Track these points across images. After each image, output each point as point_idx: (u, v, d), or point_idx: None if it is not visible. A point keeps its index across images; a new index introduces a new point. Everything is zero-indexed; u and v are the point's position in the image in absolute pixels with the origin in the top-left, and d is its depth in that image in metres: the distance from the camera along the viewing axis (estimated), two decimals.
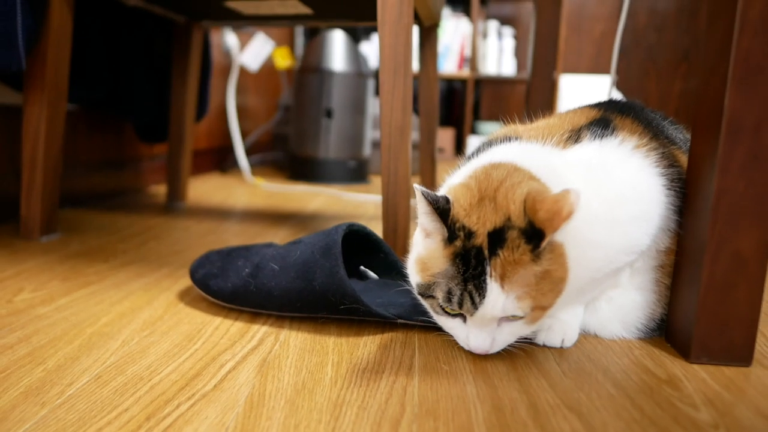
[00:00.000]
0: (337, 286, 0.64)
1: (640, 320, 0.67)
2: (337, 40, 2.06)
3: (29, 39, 0.94)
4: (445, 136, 3.37)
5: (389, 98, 0.83)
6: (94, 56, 1.29)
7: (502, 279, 0.51)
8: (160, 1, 1.24)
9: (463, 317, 0.56)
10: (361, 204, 1.64)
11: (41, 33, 0.97)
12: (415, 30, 1.45)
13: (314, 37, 2.18)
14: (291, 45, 3.19)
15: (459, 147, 3.50)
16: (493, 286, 0.51)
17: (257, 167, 2.46)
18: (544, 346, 0.64)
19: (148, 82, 1.47)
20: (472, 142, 3.33)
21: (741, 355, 0.60)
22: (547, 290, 0.52)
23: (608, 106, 0.71)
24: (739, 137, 0.57)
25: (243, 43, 2.26)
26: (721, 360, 0.60)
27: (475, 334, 0.55)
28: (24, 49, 0.93)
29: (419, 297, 0.59)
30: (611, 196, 0.60)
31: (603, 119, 0.66)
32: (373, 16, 0.83)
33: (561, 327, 0.64)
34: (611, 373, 0.57)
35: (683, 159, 0.67)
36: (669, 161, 0.64)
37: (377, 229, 0.73)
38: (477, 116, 3.69)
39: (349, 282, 0.64)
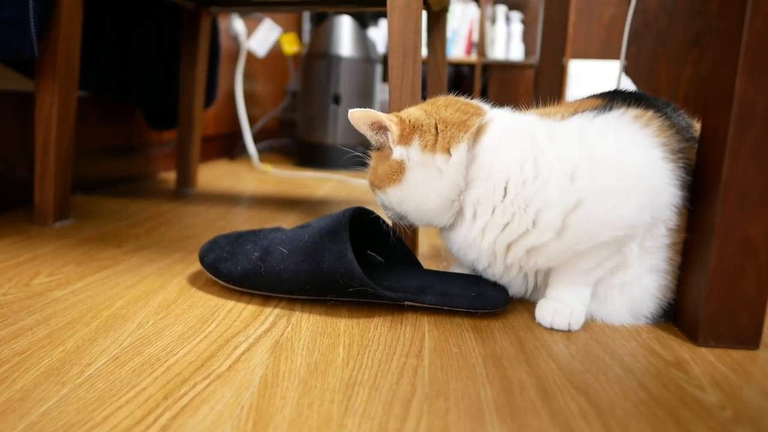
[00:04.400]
0: (345, 269, 0.65)
1: (650, 309, 0.67)
2: (344, 25, 2.05)
3: (41, 26, 0.95)
4: None
5: (398, 83, 0.84)
6: (105, 43, 1.29)
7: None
8: None
9: None
10: (368, 190, 1.64)
11: (52, 20, 0.97)
12: (424, 14, 1.44)
13: (321, 22, 2.17)
14: (298, 31, 3.18)
15: None
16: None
17: (265, 153, 2.46)
18: (552, 329, 0.65)
19: (158, 68, 1.47)
20: None
21: (748, 338, 0.61)
22: (379, 172, 0.69)
23: (615, 95, 0.71)
24: (749, 122, 0.57)
25: (250, 30, 2.25)
26: (728, 343, 0.61)
27: None
28: (36, 35, 0.93)
29: None
30: (584, 170, 0.61)
31: (609, 105, 0.67)
32: (381, 1, 0.83)
33: (567, 310, 0.64)
34: (619, 356, 0.58)
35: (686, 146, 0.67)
36: (672, 132, 0.64)
37: (384, 215, 0.74)
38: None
39: (357, 265, 0.65)
